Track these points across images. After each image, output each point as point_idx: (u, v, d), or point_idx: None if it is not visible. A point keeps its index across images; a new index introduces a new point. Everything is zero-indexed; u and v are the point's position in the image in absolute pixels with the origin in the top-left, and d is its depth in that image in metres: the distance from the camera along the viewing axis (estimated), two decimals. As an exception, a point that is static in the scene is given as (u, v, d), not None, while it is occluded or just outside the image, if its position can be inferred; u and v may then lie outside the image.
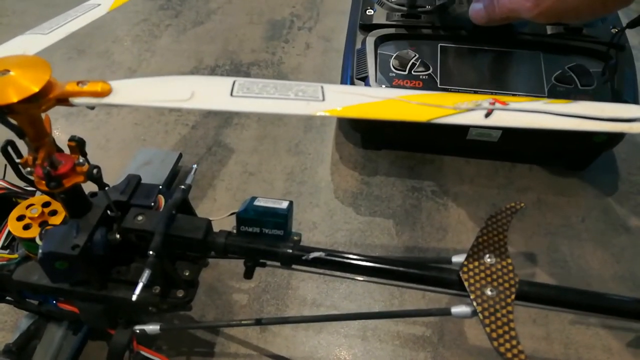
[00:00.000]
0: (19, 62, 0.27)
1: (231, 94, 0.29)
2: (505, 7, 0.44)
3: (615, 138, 0.56)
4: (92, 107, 0.28)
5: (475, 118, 0.29)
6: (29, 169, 0.31)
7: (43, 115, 0.29)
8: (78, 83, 0.27)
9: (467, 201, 0.58)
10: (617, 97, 0.53)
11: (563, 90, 0.54)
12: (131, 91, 0.28)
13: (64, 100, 0.27)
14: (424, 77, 0.55)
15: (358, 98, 0.29)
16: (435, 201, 0.58)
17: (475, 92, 0.54)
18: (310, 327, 0.48)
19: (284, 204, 0.36)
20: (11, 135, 0.29)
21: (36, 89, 0.26)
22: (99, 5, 0.36)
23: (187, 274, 0.37)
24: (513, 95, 0.53)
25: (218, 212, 0.56)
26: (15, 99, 0.26)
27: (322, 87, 0.30)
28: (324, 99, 0.29)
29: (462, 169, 0.61)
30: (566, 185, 0.60)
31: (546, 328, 0.48)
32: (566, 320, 0.48)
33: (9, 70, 0.27)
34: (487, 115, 0.29)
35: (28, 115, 0.27)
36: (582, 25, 0.56)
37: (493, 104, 0.30)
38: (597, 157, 0.61)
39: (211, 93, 0.29)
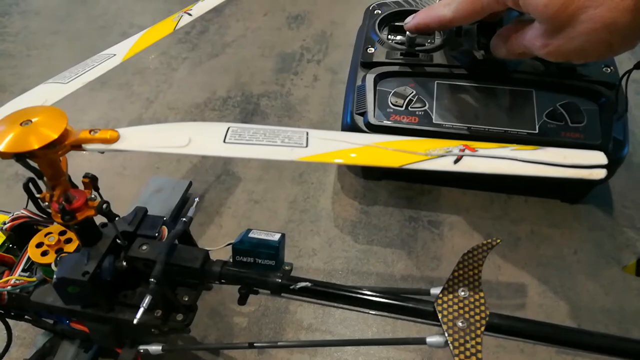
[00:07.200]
0: (39, 112, 0.31)
1: (224, 141, 0.32)
2: (521, 44, 0.48)
3: (609, 171, 0.58)
4: (102, 152, 0.32)
5: (444, 164, 0.32)
6: (46, 203, 0.35)
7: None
8: (90, 131, 0.31)
9: (462, 231, 0.60)
10: (606, 134, 0.55)
11: (554, 126, 0.56)
12: (136, 138, 0.32)
13: (77, 146, 0.31)
14: (420, 112, 0.58)
15: (338, 144, 0.32)
16: (431, 231, 0.60)
17: (469, 128, 0.56)
18: (306, 351, 0.50)
19: (276, 237, 0.39)
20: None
21: (55, 136, 0.30)
22: (114, 55, 0.40)
23: (186, 299, 0.40)
24: (505, 131, 0.56)
25: (223, 238, 0.59)
26: (36, 146, 0.30)
27: (307, 133, 0.33)
28: (307, 145, 0.32)
29: (458, 200, 0.63)
30: (560, 217, 0.61)
31: (533, 358, 0.49)
32: (553, 351, 0.49)
33: (30, 120, 0.31)
34: (456, 161, 0.32)
35: (47, 159, 0.31)
36: (574, 65, 0.59)
37: (463, 150, 0.33)
38: (592, 189, 0.63)
39: (206, 140, 0.32)
